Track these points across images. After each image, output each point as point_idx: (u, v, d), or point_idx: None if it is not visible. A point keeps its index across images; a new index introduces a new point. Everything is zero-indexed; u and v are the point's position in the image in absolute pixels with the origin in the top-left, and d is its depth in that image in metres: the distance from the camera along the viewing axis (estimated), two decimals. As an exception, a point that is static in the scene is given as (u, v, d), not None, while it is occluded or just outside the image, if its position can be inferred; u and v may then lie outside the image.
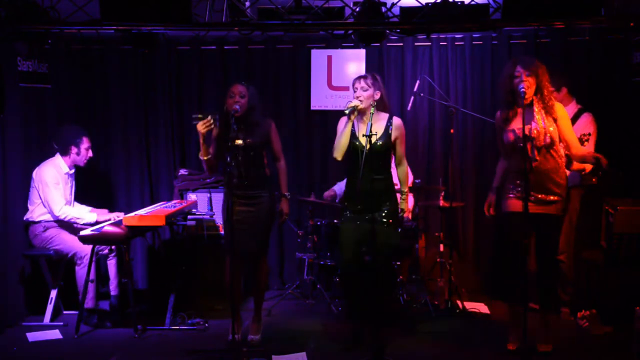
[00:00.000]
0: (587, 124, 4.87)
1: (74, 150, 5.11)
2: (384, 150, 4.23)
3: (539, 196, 4.03)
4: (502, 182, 4.27)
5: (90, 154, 5.21)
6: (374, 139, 4.11)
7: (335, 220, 5.25)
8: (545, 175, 4.04)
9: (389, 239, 4.24)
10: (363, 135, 4.08)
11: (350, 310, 4.57)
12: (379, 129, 4.19)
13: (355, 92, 4.22)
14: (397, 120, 4.28)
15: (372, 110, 4.10)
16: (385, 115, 4.27)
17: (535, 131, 3.99)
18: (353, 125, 4.23)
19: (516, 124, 4.03)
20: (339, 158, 4.24)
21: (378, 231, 4.10)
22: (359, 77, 4.25)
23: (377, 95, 4.22)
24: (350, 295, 4.46)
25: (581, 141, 4.58)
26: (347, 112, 4.14)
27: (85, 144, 5.15)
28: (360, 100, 4.17)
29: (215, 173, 4.61)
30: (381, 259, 4.17)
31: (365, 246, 4.22)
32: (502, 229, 4.24)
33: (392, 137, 4.24)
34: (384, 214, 4.22)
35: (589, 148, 4.78)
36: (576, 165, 4.48)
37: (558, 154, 4.10)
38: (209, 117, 4.23)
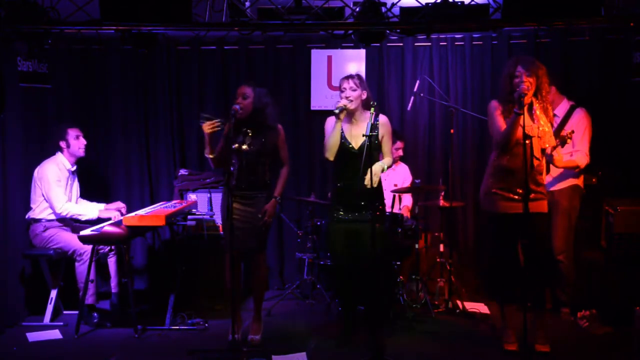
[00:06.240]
0: (580, 119, 4.83)
1: (63, 144, 5.11)
2: (375, 148, 4.27)
3: (537, 188, 4.01)
4: (487, 178, 4.18)
5: (83, 141, 5.17)
6: (362, 140, 4.19)
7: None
8: (537, 172, 4.07)
9: (383, 238, 4.27)
10: (363, 135, 4.10)
11: (342, 307, 4.63)
12: (366, 128, 4.20)
13: (344, 91, 4.28)
14: (382, 118, 4.35)
15: (372, 110, 4.10)
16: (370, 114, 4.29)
17: (542, 130, 4.01)
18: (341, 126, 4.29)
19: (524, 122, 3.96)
20: (331, 158, 4.29)
21: (374, 231, 4.09)
22: (347, 77, 4.32)
23: (364, 96, 4.30)
24: (342, 293, 4.50)
25: (564, 139, 4.35)
26: (336, 112, 4.17)
27: (71, 134, 5.12)
28: (350, 100, 4.24)
29: (221, 167, 4.60)
30: (378, 258, 4.17)
31: (359, 247, 4.23)
32: (493, 229, 4.22)
33: (380, 134, 4.29)
34: (376, 214, 4.21)
35: (579, 146, 4.76)
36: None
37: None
38: (216, 120, 4.23)
